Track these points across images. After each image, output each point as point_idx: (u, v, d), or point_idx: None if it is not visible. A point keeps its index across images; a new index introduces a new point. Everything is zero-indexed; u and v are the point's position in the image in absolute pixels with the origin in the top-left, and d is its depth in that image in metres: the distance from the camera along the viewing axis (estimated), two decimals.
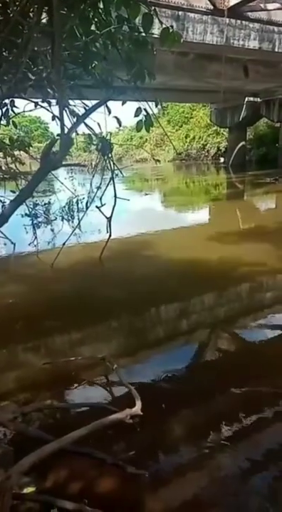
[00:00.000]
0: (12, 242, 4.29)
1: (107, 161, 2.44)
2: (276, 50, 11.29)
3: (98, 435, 1.85)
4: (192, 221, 8.26)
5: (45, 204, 6.97)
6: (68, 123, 1.86)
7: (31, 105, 2.34)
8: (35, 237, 5.10)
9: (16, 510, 1.49)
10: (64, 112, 1.67)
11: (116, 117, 2.26)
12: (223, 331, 3.31)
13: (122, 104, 2.06)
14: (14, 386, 2.52)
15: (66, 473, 1.69)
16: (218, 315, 3.67)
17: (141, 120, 1.75)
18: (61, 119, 1.56)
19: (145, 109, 1.73)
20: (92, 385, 2.45)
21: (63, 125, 1.56)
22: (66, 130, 1.66)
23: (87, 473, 1.71)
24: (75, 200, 7.08)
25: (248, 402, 2.24)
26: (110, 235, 4.55)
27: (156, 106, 1.90)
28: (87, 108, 2.10)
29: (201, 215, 9.39)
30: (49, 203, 7.20)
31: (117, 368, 2.45)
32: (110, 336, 3.24)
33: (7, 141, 3.05)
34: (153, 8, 1.66)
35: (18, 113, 2.36)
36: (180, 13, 9.37)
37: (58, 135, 1.76)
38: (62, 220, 7.09)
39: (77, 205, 7.23)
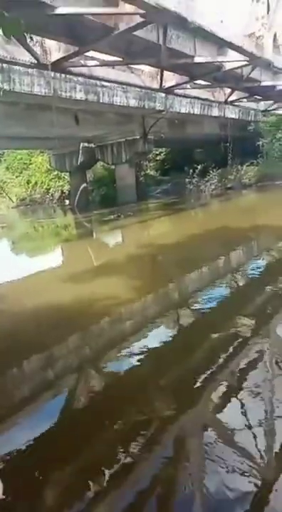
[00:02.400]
0: None
1: None
2: (101, 101, 12.50)
3: None
4: (45, 265, 8.12)
5: None
6: None
7: None
8: None
9: None
10: None
11: None
12: (92, 369, 3.29)
13: None
14: None
15: None
16: (83, 355, 3.64)
17: None
18: None
19: None
20: None
21: None
22: None
23: None
24: None
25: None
26: None
27: None
28: None
29: (53, 258, 9.32)
30: None
31: None
32: None
33: None
34: None
35: None
36: (4, 65, 9.49)
37: None
38: None
39: None
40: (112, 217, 13.93)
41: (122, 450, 2.15)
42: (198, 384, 2.75)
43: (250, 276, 5.70)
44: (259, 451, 2.07)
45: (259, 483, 1.87)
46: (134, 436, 2.24)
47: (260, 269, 6.04)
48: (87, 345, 3.85)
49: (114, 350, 3.56)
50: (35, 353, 3.64)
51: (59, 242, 11.49)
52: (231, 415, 2.37)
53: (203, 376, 2.85)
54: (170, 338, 3.75)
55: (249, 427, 2.24)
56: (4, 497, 1.76)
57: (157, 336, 3.74)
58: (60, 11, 7.17)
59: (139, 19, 7.92)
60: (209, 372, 2.90)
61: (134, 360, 3.27)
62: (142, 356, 3.33)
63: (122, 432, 2.34)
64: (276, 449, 2.09)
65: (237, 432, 2.22)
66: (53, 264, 8.35)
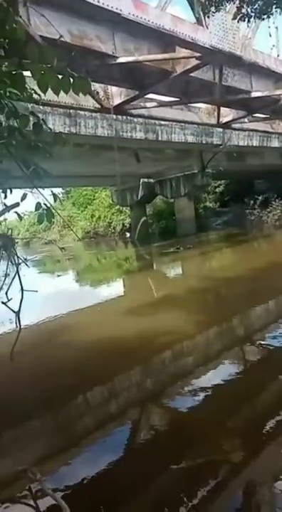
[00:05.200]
0: None
1: (11, 256, 2.43)
2: (160, 139, 13.00)
3: None
4: (108, 296, 8.34)
5: None
6: None
7: None
8: None
9: None
10: None
11: (16, 212, 2.32)
12: (155, 404, 3.25)
13: (21, 200, 2.13)
14: None
15: None
16: (147, 389, 3.62)
17: (42, 214, 1.83)
18: None
19: (45, 204, 1.82)
20: (15, 503, 2.14)
21: None
22: None
23: None
24: None
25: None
26: (19, 330, 4.29)
27: (54, 201, 2.01)
28: None
29: (116, 289, 9.55)
30: None
31: (41, 478, 2.19)
32: (29, 441, 2.93)
33: None
34: (41, 118, 1.83)
35: None
36: (71, 111, 10.37)
37: None
38: None
39: None
40: (171, 249, 14.04)
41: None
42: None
43: None
44: None
45: None
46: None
47: None
48: (148, 379, 3.83)
49: (175, 384, 3.49)
50: (99, 385, 3.69)
51: (121, 274, 11.78)
52: None
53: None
54: (231, 377, 3.59)
55: None
56: None
57: (219, 374, 3.61)
58: (121, 60, 7.75)
59: (195, 62, 8.25)
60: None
61: (193, 398, 3.18)
62: (204, 392, 3.23)
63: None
64: None
65: None
66: (115, 295, 8.54)
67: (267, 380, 3.34)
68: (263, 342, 4.35)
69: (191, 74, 8.87)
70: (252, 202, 20.07)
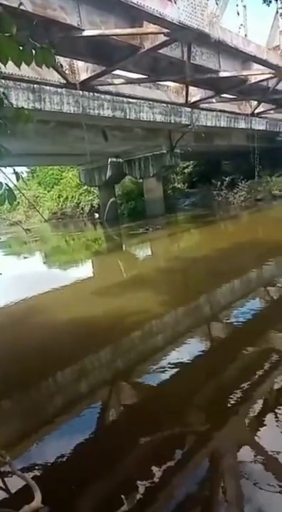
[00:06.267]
0: None
1: None
2: (128, 117, 12.78)
3: None
4: (77, 278, 8.28)
5: None
6: None
7: None
8: None
9: None
10: None
11: None
12: (124, 382, 3.30)
13: None
14: None
15: None
16: (117, 368, 3.67)
17: (3, 194, 1.75)
18: None
19: (7, 184, 1.74)
20: None
21: None
22: None
23: None
24: None
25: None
26: None
27: (17, 180, 1.93)
28: None
29: (85, 271, 9.49)
30: None
31: (10, 460, 2.18)
32: None
33: None
34: (2, 92, 1.73)
35: None
36: (35, 86, 9.93)
37: None
38: None
39: None
40: (140, 230, 14.05)
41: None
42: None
43: None
44: None
45: None
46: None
47: None
48: (118, 358, 3.88)
49: (144, 363, 3.56)
50: (68, 365, 3.70)
51: (90, 256, 11.69)
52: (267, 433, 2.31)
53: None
54: (198, 353, 3.70)
55: None
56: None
57: (187, 350, 3.71)
58: (87, 33, 7.46)
59: (163, 38, 8.09)
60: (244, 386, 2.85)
61: (165, 374, 3.26)
62: (173, 371, 3.32)
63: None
64: None
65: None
66: (84, 276, 8.49)
67: (232, 355, 3.47)
68: (228, 319, 4.50)
69: (160, 51, 8.71)
70: (219, 183, 20.33)
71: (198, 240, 11.81)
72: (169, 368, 3.37)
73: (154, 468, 2.12)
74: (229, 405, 2.66)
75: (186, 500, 1.94)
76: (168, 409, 2.74)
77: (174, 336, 4.19)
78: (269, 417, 2.46)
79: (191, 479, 2.08)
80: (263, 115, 17.64)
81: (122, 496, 1.95)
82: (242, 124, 17.52)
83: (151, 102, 13.14)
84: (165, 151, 17.29)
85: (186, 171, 25.57)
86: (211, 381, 3.09)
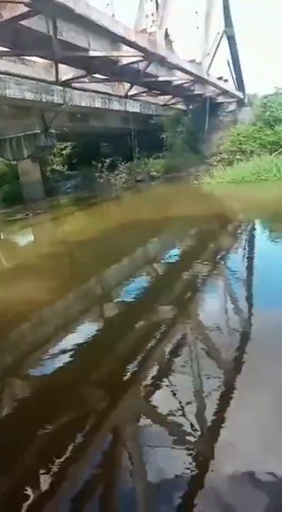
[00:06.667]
0: None
1: None
2: None
3: None
4: None
5: None
6: None
7: None
8: None
9: None
10: None
11: None
12: (16, 376, 3.15)
13: None
14: None
15: None
16: (7, 362, 3.46)
17: None
18: None
19: None
20: None
21: None
22: None
23: None
24: None
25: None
26: None
27: None
28: None
29: None
30: None
31: None
32: None
33: None
34: None
35: None
36: None
37: None
38: None
39: None
40: (19, 215, 13.25)
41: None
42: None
43: (167, 266, 5.96)
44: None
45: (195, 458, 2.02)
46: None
47: (176, 258, 6.35)
48: (7, 352, 3.66)
49: (37, 352, 3.45)
50: None
51: None
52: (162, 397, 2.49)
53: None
54: (91, 334, 3.75)
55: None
56: None
57: (81, 334, 3.72)
58: None
59: (24, 8, 7.52)
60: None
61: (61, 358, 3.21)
62: (66, 355, 3.29)
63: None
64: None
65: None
66: None
67: (124, 331, 3.60)
68: (117, 298, 4.64)
69: (22, 23, 8.08)
70: (100, 165, 20.39)
71: (83, 222, 11.72)
72: (62, 353, 3.32)
73: (55, 457, 2.10)
74: (126, 377, 2.78)
75: (91, 477, 1.98)
76: (67, 393, 2.72)
77: (66, 322, 4.14)
78: (164, 381, 2.66)
79: (96, 455, 2.13)
80: (136, 97, 18.12)
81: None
82: (116, 106, 17.74)
83: (18, 78, 12.25)
84: (39, 131, 16.45)
85: (64, 152, 24.87)
86: (107, 358, 3.16)
